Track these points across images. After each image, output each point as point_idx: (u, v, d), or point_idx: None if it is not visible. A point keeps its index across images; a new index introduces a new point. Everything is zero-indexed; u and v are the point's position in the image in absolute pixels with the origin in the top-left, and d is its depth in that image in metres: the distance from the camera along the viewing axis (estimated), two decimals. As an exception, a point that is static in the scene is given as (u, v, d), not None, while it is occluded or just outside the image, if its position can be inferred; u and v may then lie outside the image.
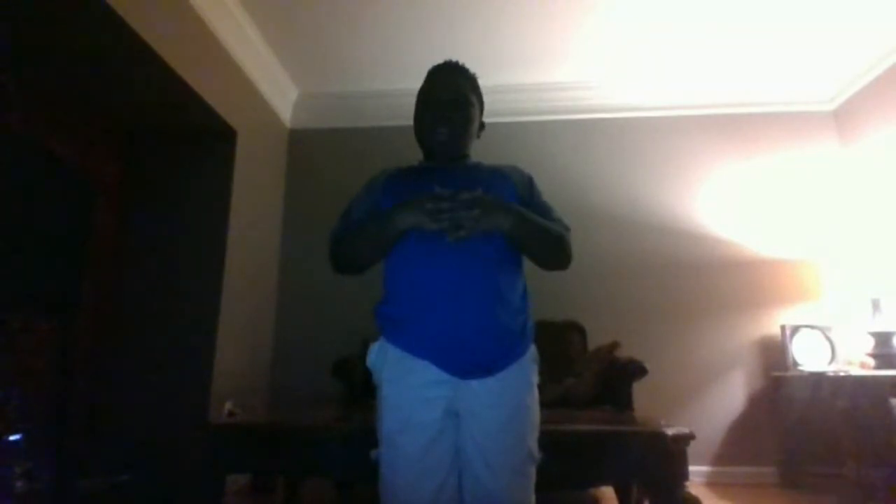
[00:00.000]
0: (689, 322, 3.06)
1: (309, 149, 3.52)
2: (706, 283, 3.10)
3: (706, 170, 3.26)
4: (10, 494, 1.90)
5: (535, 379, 1.10)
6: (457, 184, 1.04)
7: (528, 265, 1.16)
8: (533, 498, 1.04)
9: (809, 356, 2.81)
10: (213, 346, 2.52)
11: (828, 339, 2.85)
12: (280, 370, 3.16)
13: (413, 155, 1.28)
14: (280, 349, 3.20)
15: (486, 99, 1.28)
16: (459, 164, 1.21)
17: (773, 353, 2.94)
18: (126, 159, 2.69)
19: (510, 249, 1.10)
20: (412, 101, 1.25)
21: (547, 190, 1.25)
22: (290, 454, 1.66)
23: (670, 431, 1.51)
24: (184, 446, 2.26)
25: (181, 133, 2.71)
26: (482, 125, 1.27)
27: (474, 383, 1.02)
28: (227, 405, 2.51)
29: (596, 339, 2.80)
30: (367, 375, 1.14)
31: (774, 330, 2.96)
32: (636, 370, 2.30)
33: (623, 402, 2.30)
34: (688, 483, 1.49)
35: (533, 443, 1.04)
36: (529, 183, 1.22)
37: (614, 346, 2.57)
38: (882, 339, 2.65)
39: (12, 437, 1.95)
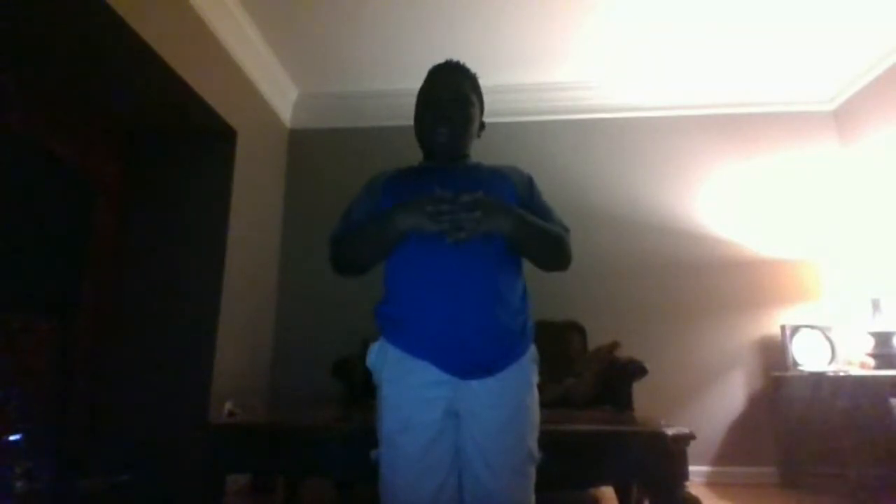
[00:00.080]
0: (689, 322, 3.06)
1: (309, 149, 3.52)
2: (706, 283, 3.10)
3: (706, 170, 3.26)
4: (10, 494, 1.90)
5: (535, 379, 1.10)
6: (457, 184, 1.04)
7: (527, 265, 1.16)
8: (533, 498, 1.04)
9: (809, 356, 2.81)
10: (213, 346, 2.52)
11: (828, 339, 2.85)
12: (280, 370, 3.16)
13: (413, 155, 1.28)
14: (280, 349, 3.20)
15: (486, 99, 1.27)
16: (459, 165, 1.21)
17: (773, 353, 2.94)
18: (126, 159, 2.69)
19: (510, 250, 1.10)
20: (412, 101, 1.25)
21: (547, 190, 1.25)
22: (290, 454, 1.66)
23: (670, 431, 1.51)
24: (184, 446, 2.27)
25: (181, 133, 2.71)
26: (482, 125, 1.27)
27: (474, 383, 1.02)
28: (227, 405, 2.51)
29: (596, 339, 2.80)
30: (367, 375, 1.14)
31: (774, 330, 2.96)
32: (636, 370, 2.30)
33: (623, 402, 2.29)
34: (688, 483, 1.49)
35: (533, 443, 1.04)
36: (529, 183, 1.22)
37: (614, 346, 2.57)
38: (882, 339, 2.65)
39: (12, 437, 1.95)
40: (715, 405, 2.95)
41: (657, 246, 3.17)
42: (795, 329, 2.87)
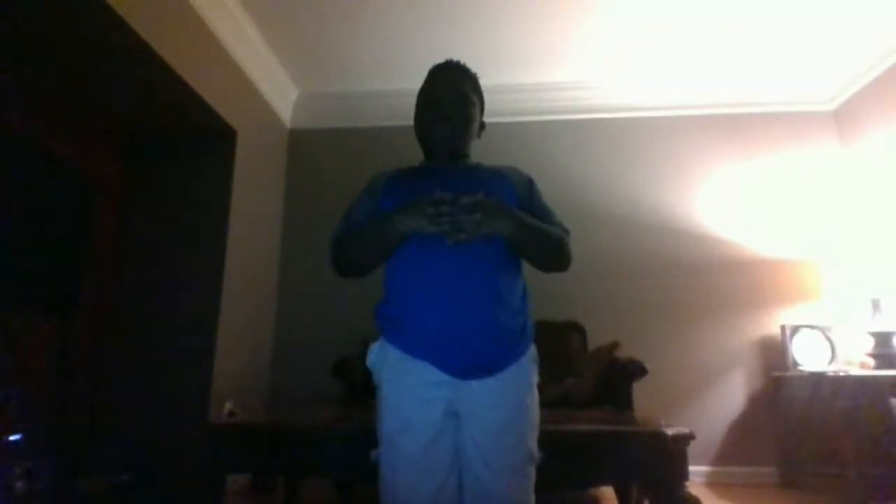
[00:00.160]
0: (689, 322, 3.06)
1: (309, 149, 3.52)
2: (706, 283, 3.10)
3: (706, 170, 3.26)
4: (10, 494, 1.90)
5: (535, 379, 1.10)
6: (457, 185, 1.04)
7: (527, 265, 1.16)
8: (533, 498, 1.04)
9: (809, 356, 2.81)
10: (213, 346, 2.52)
11: (828, 339, 2.85)
12: (280, 370, 3.16)
13: (413, 155, 1.28)
14: (280, 349, 3.20)
15: (486, 99, 1.27)
16: (460, 165, 1.21)
17: (773, 353, 2.94)
18: (126, 159, 2.69)
19: (509, 251, 1.10)
20: (412, 101, 1.25)
21: (547, 190, 1.25)
22: (290, 454, 1.66)
23: (670, 431, 1.51)
24: (184, 446, 2.27)
25: (181, 133, 2.71)
26: (482, 125, 1.27)
27: (474, 384, 1.02)
28: (227, 405, 2.51)
29: (596, 339, 2.80)
30: (367, 375, 1.14)
31: (774, 330, 2.96)
32: (636, 370, 2.30)
33: (623, 402, 2.29)
34: (688, 483, 1.49)
35: (533, 443, 1.04)
36: (529, 184, 1.22)
37: (614, 346, 2.57)
38: (882, 339, 2.65)
39: (12, 437, 1.95)
40: (715, 405, 2.95)
41: (657, 246, 3.17)
42: (795, 329, 2.87)
